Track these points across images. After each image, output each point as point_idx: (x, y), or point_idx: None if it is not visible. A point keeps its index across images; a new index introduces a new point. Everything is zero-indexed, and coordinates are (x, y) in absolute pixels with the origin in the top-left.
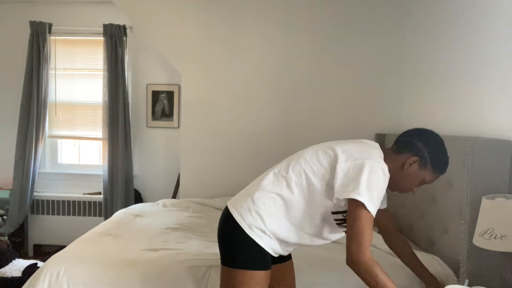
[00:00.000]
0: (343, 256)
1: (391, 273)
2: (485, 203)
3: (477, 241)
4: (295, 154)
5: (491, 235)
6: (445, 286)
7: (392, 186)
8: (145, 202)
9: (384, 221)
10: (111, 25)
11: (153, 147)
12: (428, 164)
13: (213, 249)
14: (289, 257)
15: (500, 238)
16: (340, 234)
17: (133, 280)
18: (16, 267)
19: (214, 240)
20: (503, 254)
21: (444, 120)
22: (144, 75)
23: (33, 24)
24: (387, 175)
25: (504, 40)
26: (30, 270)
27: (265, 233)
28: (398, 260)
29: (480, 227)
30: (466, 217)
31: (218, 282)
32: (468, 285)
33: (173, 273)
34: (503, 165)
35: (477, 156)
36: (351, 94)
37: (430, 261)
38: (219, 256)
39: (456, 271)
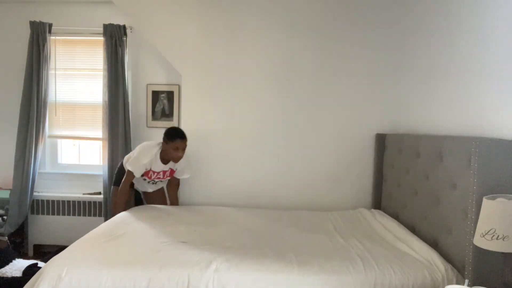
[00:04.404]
0: None
1: (395, 271)
2: (486, 203)
3: (479, 242)
4: None
5: (493, 236)
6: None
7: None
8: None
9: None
10: (111, 25)
11: None
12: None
13: (216, 248)
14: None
15: (502, 239)
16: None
17: (136, 281)
18: (16, 267)
19: (216, 239)
20: (505, 254)
21: (446, 120)
22: (144, 75)
23: (33, 24)
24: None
25: (507, 39)
26: (30, 270)
27: None
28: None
29: (481, 227)
30: (471, 217)
31: (223, 279)
32: (468, 285)
33: (176, 272)
34: (508, 165)
35: (482, 156)
36: (352, 94)
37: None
38: (221, 254)
39: (461, 272)
